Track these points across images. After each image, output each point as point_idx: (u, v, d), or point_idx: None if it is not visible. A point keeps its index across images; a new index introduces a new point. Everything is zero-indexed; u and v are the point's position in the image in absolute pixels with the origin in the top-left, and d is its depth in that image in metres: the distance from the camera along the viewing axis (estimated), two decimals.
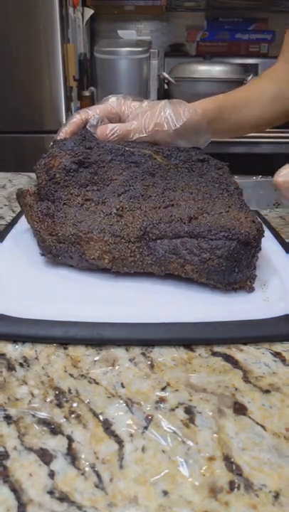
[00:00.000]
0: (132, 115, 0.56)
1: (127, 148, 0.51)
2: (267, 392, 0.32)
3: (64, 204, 0.46)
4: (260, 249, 0.42)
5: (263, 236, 0.42)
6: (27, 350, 0.36)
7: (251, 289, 0.42)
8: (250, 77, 1.79)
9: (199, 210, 0.43)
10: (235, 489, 0.25)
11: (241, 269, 0.41)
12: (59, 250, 0.45)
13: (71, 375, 0.33)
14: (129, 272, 0.44)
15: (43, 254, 0.46)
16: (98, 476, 0.25)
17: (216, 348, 0.36)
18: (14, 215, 0.66)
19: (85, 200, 0.47)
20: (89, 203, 0.46)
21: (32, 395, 0.31)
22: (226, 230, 0.40)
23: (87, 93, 1.87)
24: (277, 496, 0.25)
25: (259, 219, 0.45)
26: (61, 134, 0.56)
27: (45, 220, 0.46)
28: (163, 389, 0.32)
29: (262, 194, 0.52)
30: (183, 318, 0.38)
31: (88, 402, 0.31)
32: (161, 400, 0.31)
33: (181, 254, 0.41)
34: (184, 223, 0.42)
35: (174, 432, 0.28)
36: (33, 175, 0.89)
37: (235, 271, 0.41)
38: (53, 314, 0.38)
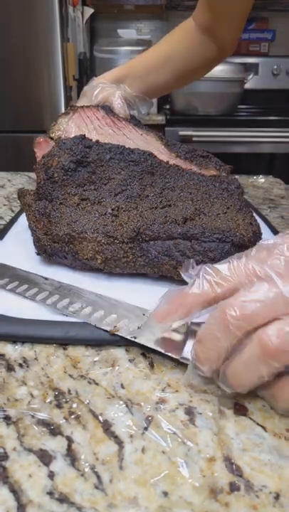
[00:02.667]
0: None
1: (127, 147, 0.51)
2: None
3: (60, 203, 0.46)
4: None
5: (261, 239, 0.41)
6: (26, 350, 0.36)
7: None
8: (250, 77, 1.79)
9: (196, 211, 0.43)
10: (236, 490, 0.25)
11: None
12: (53, 250, 0.44)
13: (71, 376, 0.33)
14: (123, 273, 0.44)
15: (38, 254, 0.46)
16: (98, 477, 0.25)
17: None
18: (13, 214, 0.66)
19: (82, 199, 0.46)
20: (85, 203, 0.46)
21: (31, 395, 0.31)
22: (220, 233, 0.39)
23: None
24: (277, 496, 0.24)
25: (258, 220, 0.45)
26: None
27: (42, 220, 0.46)
28: (163, 390, 0.32)
29: None
30: None
31: (88, 403, 0.30)
32: (162, 400, 0.31)
33: (173, 256, 0.41)
34: (178, 224, 0.41)
35: (174, 433, 0.28)
36: (32, 175, 0.89)
37: None
38: (52, 314, 0.38)
